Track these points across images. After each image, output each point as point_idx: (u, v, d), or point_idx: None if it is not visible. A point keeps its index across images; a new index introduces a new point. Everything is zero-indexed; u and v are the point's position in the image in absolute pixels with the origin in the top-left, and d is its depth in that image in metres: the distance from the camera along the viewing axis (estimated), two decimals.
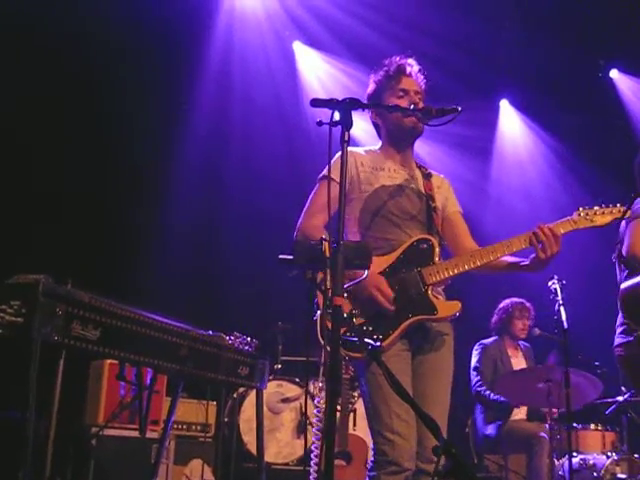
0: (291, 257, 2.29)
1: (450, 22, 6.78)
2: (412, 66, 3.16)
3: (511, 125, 8.34)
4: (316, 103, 2.38)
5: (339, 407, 5.32)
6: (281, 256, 2.35)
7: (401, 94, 3.07)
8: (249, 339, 3.29)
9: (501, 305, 5.94)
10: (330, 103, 2.36)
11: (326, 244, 2.21)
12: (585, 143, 7.62)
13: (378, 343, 2.18)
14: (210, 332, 3.09)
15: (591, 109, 7.69)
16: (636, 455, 5.11)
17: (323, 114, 2.41)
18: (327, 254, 2.19)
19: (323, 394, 5.76)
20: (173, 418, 3.46)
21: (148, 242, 6.08)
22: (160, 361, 2.77)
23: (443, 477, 1.89)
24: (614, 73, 8.08)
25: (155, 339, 2.72)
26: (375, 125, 3.22)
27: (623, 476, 4.94)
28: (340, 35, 6.93)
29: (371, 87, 3.19)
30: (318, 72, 7.36)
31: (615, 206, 3.05)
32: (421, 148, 7.50)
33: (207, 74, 6.56)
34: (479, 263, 2.91)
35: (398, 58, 3.19)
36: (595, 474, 4.97)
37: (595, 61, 7.92)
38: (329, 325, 2.24)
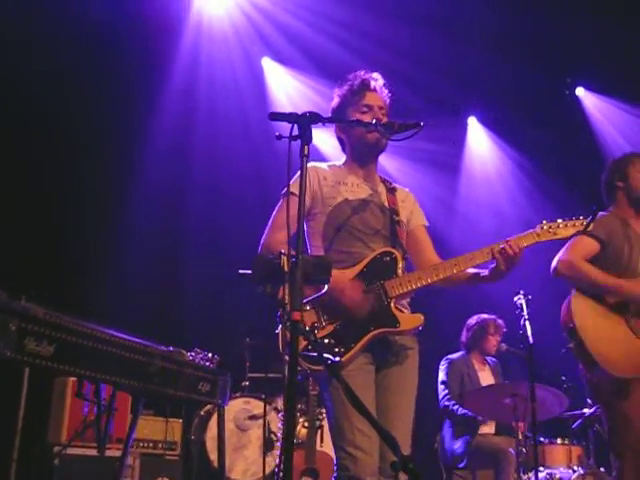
0: (250, 272, 2.27)
1: (419, 40, 6.84)
2: (376, 81, 3.17)
3: (479, 142, 8.43)
4: (275, 117, 2.37)
5: (306, 424, 5.30)
6: (241, 271, 2.34)
7: (365, 109, 3.08)
8: (210, 355, 3.26)
9: (473, 321, 5.95)
10: (289, 117, 2.36)
11: (284, 258, 2.19)
12: (552, 159, 7.73)
13: (337, 358, 2.16)
14: (170, 348, 3.06)
15: (558, 126, 7.80)
16: (602, 469, 5.13)
17: (287, 129, 2.40)
18: (285, 268, 2.17)
19: None
20: (133, 436, 3.41)
21: (106, 257, 5.99)
22: (118, 378, 2.72)
23: None
24: (580, 91, 8.21)
25: (113, 355, 2.67)
26: (339, 140, 3.23)
27: None
28: (309, 52, 6.96)
29: (335, 101, 3.20)
30: (287, 88, 7.38)
31: (578, 219, 3.11)
32: (390, 164, 7.56)
33: (172, 89, 6.53)
34: (442, 276, 2.92)
35: (363, 73, 3.20)
36: None
37: (562, 79, 8.04)
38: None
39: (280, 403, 5.73)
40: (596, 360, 3.48)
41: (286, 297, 2.15)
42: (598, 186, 4.08)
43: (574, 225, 3.08)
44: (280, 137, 2.36)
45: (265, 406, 4.94)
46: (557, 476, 5.09)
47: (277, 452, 5.34)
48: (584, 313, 3.59)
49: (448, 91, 7.30)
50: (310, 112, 2.40)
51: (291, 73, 7.32)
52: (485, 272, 3.00)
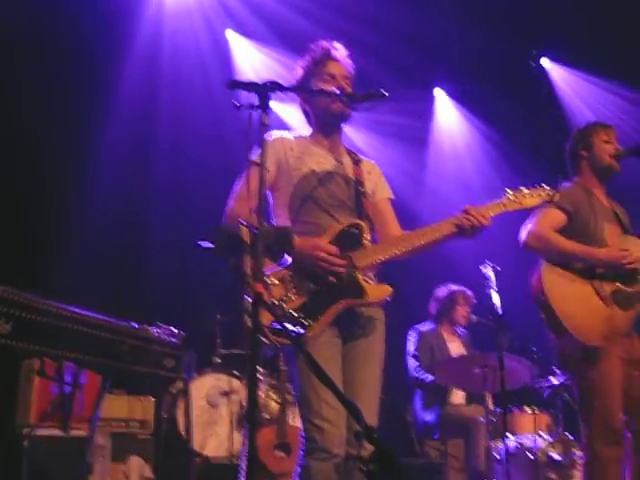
0: (211, 244, 2.24)
1: (384, 11, 6.79)
2: (339, 50, 3.14)
3: (446, 114, 8.41)
4: (234, 85, 2.33)
5: (278, 399, 5.30)
6: (201, 243, 2.30)
7: (328, 79, 3.04)
8: (174, 330, 3.22)
9: (443, 292, 5.98)
10: (249, 85, 2.32)
11: (245, 230, 2.16)
12: (519, 131, 7.73)
13: (302, 330, 2.14)
14: (134, 324, 3.02)
15: (525, 98, 7.81)
16: (570, 436, 5.20)
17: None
18: (246, 240, 2.14)
19: (263, 386, 5.74)
20: (99, 414, 3.37)
21: (63, 225, 5.81)
22: (81, 355, 2.68)
23: (366, 462, 1.86)
24: (545, 62, 8.22)
25: (74, 333, 2.62)
26: (304, 112, 3.19)
27: (558, 457, 5.02)
28: (272, 24, 6.87)
29: (298, 72, 3.16)
30: (252, 61, 7.29)
31: (542, 187, 3.11)
32: (358, 137, 7.53)
33: (135, 57, 6.36)
34: (409, 247, 2.92)
35: (325, 42, 3.15)
36: (531, 456, 5.05)
37: (527, 50, 8.04)
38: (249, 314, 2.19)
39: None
40: (567, 329, 3.51)
41: (246, 269, 2.12)
42: (563, 155, 4.10)
43: (539, 194, 3.09)
44: (239, 106, 2.31)
45: (232, 381, 4.90)
46: (526, 444, 5.15)
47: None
48: (554, 284, 3.61)
49: (414, 63, 7.25)
50: (270, 81, 2.36)
51: (255, 45, 7.24)
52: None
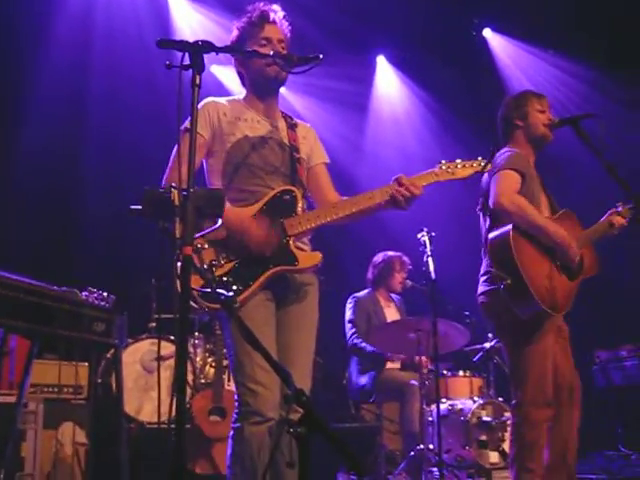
0: (140, 207, 2.20)
1: None
2: (276, 13, 3.08)
3: (387, 81, 8.40)
4: (165, 44, 2.26)
5: (214, 363, 5.29)
6: (131, 207, 2.25)
7: (264, 42, 2.99)
8: (105, 294, 3.17)
9: (380, 258, 6.01)
10: (180, 44, 2.25)
11: (175, 192, 2.12)
12: (459, 100, 7.78)
13: (231, 293, 2.13)
14: (63, 288, 2.96)
15: (466, 67, 7.85)
16: (500, 399, 5.34)
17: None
18: (176, 203, 2.10)
19: (199, 351, 5.71)
20: (28, 380, 3.31)
21: None
22: (8, 320, 2.62)
23: (295, 425, 1.87)
24: (487, 32, 8.27)
25: (1, 297, 2.55)
26: (239, 75, 3.15)
27: (488, 419, 5.17)
28: None
29: (234, 34, 3.10)
30: (191, 22, 7.14)
31: (476, 159, 3.15)
32: (298, 101, 7.48)
33: (69, 14, 6.18)
34: (341, 214, 2.92)
35: (262, 4, 3.10)
36: (462, 418, 5.18)
37: (469, 19, 8.06)
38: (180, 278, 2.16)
39: (189, 344, 5.69)
40: (531, 292, 3.47)
41: (177, 232, 2.09)
42: (495, 123, 4.10)
43: (472, 165, 3.12)
44: (170, 66, 2.25)
45: (167, 346, 4.87)
46: (458, 407, 5.28)
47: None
48: (522, 249, 3.60)
49: (356, 29, 7.22)
50: (202, 41, 2.30)
51: (194, 6, 7.09)
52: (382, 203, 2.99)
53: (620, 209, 3.90)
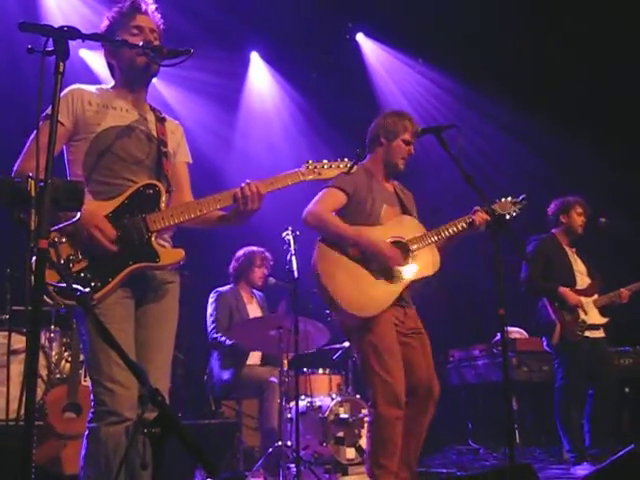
0: None
1: None
2: (147, 4, 3.02)
3: (260, 78, 8.41)
4: (27, 28, 2.16)
5: (70, 358, 5.11)
6: None
7: (135, 32, 2.92)
8: None
9: (241, 252, 6.02)
10: (43, 29, 2.16)
11: (32, 182, 2.04)
12: (329, 102, 7.91)
13: (88, 289, 2.07)
14: None
15: (337, 69, 7.99)
16: (358, 396, 5.48)
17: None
18: (32, 193, 2.02)
19: (55, 344, 5.50)
20: None
21: None
22: None
23: (149, 425, 1.84)
24: (360, 37, 8.44)
25: None
26: (109, 65, 3.05)
27: (345, 416, 5.28)
28: None
29: (104, 24, 3.01)
30: (63, 6, 6.86)
31: (342, 160, 3.21)
32: (168, 92, 7.35)
33: None
34: (205, 211, 2.89)
35: None
36: (320, 415, 5.26)
37: (344, 23, 8.20)
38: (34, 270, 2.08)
39: (44, 338, 5.48)
40: (338, 304, 3.71)
41: (32, 224, 2.00)
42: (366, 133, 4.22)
43: (338, 167, 3.18)
44: (32, 51, 2.16)
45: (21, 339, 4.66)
46: (317, 404, 5.36)
47: (40, 391, 5.11)
48: (326, 261, 3.80)
49: (230, 24, 7.18)
50: (68, 26, 2.21)
51: None
52: (229, 214, 3.01)
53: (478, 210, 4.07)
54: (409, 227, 3.97)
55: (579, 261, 5.71)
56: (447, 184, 6.90)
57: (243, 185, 2.91)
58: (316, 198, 3.87)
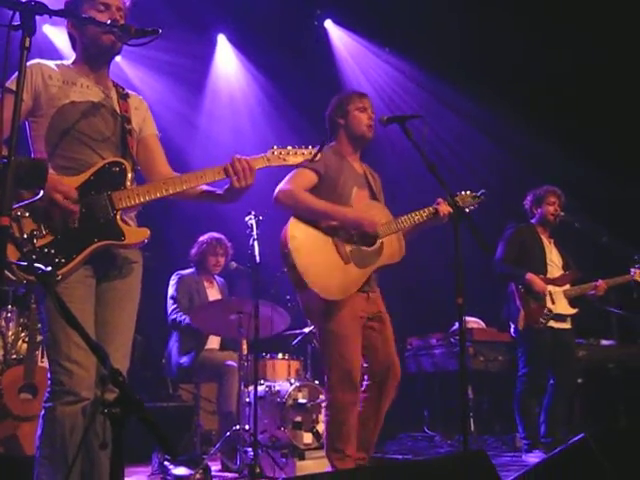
0: None
1: None
2: None
3: (226, 61, 8.35)
4: None
5: (27, 339, 5.04)
6: None
7: (102, 8, 2.87)
8: None
9: (200, 239, 6.00)
10: (9, 3, 2.12)
11: None
12: (295, 88, 7.89)
13: (50, 268, 2.04)
14: None
15: (304, 55, 7.96)
16: (317, 381, 5.51)
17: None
18: None
19: (11, 325, 5.42)
20: None
21: None
22: None
23: (109, 406, 1.84)
24: (328, 23, 8.42)
25: None
26: (70, 36, 2.99)
27: (304, 401, 5.31)
28: None
29: None
30: None
31: (307, 148, 3.21)
32: (131, 71, 7.26)
33: None
34: (171, 191, 2.86)
35: None
36: (279, 399, 5.29)
37: (313, 8, 8.18)
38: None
39: (0, 318, 5.39)
40: (307, 283, 3.71)
41: None
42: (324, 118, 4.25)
43: (303, 154, 3.18)
44: None
45: None
46: (276, 388, 5.38)
47: None
48: (299, 239, 3.80)
49: (198, 6, 7.10)
50: (35, 1, 2.18)
51: None
52: (220, 191, 3.02)
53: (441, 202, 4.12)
54: (377, 213, 4.00)
55: (555, 252, 5.76)
56: (409, 173, 6.96)
57: (233, 160, 2.91)
58: (287, 178, 3.87)
